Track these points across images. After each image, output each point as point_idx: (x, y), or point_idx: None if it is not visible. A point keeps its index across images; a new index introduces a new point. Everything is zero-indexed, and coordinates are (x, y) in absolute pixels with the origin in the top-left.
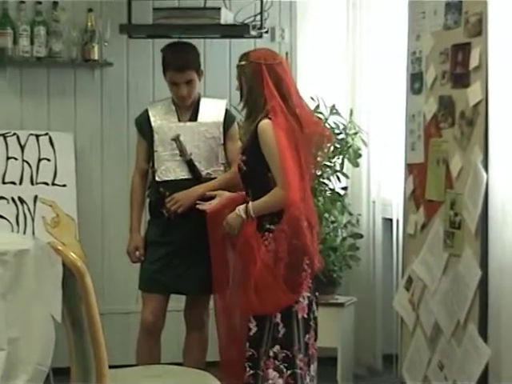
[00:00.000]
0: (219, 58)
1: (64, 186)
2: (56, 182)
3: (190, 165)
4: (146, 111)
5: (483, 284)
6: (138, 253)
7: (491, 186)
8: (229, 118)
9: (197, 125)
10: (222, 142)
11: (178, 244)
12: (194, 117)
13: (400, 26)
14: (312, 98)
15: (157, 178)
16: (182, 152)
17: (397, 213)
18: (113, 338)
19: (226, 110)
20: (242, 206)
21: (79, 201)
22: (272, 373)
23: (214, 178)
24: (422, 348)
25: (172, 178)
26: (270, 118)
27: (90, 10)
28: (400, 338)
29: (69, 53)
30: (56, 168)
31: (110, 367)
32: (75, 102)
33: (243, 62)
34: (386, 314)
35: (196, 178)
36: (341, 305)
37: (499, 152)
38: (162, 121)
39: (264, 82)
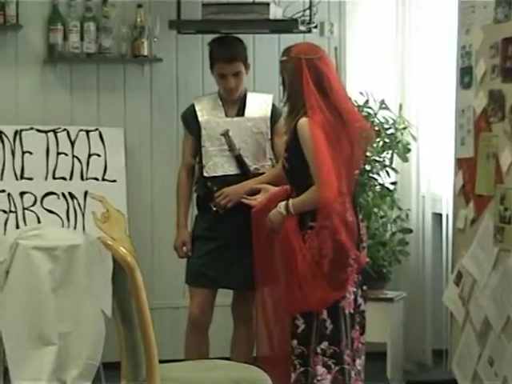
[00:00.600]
0: (268, 54)
1: (114, 181)
2: (106, 177)
3: (239, 160)
4: (193, 106)
5: None
6: (185, 248)
7: None
8: (275, 113)
9: (244, 120)
10: (270, 136)
11: (226, 238)
12: (241, 112)
13: (450, 20)
14: (361, 93)
15: (205, 174)
16: (231, 147)
17: (446, 208)
18: (163, 333)
19: (273, 105)
20: (283, 203)
21: (129, 196)
22: (320, 369)
23: (262, 174)
24: (472, 343)
25: (220, 173)
26: (308, 116)
27: (140, 6)
28: (450, 333)
29: (118, 48)
30: (106, 163)
31: (160, 362)
32: (125, 97)
33: (285, 58)
34: (435, 309)
35: (244, 173)
36: (390, 300)
37: None
38: (209, 116)
39: (304, 78)
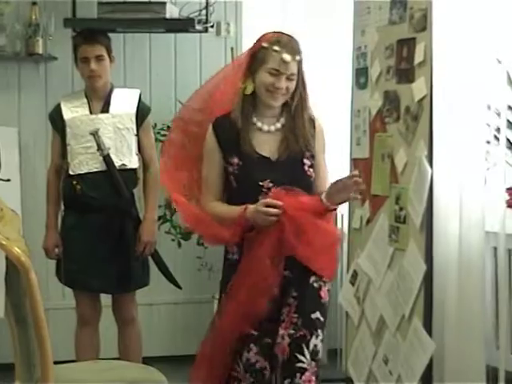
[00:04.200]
0: (164, 53)
1: (8, 180)
2: (0, 176)
3: (107, 159)
4: (59, 105)
5: (428, 278)
6: (57, 250)
7: (436, 180)
8: (142, 109)
9: (108, 116)
10: (136, 132)
11: (94, 240)
12: (105, 108)
13: (346, 21)
14: None
15: (70, 172)
16: (100, 147)
17: (342, 207)
18: (57, 334)
19: (140, 101)
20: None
21: (23, 196)
22: None
23: (129, 170)
24: (367, 342)
25: (85, 170)
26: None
27: (34, 4)
28: (345, 332)
29: (13, 47)
30: (0, 163)
31: (55, 363)
32: (19, 96)
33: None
34: (330, 308)
35: (111, 171)
36: None
37: (444, 147)
38: (74, 113)
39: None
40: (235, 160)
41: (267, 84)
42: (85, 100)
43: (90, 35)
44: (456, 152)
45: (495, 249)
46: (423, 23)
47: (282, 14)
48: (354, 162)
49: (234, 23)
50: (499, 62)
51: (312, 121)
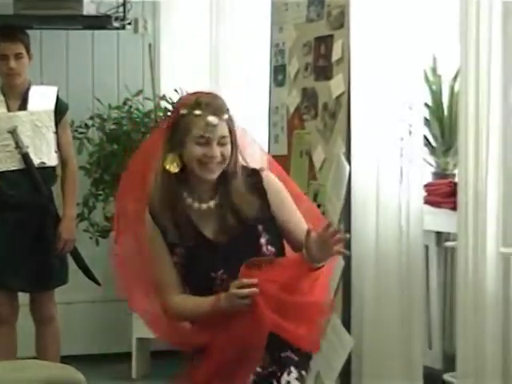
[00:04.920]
0: (81, 50)
1: None
2: None
3: (25, 157)
4: None
5: (346, 275)
6: None
7: (354, 177)
8: (60, 107)
9: (26, 114)
10: (55, 130)
11: (12, 237)
12: (23, 105)
13: (264, 17)
14: (176, 91)
15: None
16: (18, 145)
17: None
18: None
19: (58, 98)
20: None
21: None
22: None
23: (48, 167)
24: None
25: (4, 169)
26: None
27: None
28: None
29: None
30: None
31: None
32: None
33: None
34: None
35: (30, 169)
36: None
37: (361, 144)
38: None
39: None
40: (177, 249)
41: (198, 156)
42: (1, 97)
43: (9, 32)
44: (373, 149)
45: (413, 245)
46: (341, 20)
47: (199, 10)
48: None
49: (152, 20)
50: (416, 59)
51: (255, 176)
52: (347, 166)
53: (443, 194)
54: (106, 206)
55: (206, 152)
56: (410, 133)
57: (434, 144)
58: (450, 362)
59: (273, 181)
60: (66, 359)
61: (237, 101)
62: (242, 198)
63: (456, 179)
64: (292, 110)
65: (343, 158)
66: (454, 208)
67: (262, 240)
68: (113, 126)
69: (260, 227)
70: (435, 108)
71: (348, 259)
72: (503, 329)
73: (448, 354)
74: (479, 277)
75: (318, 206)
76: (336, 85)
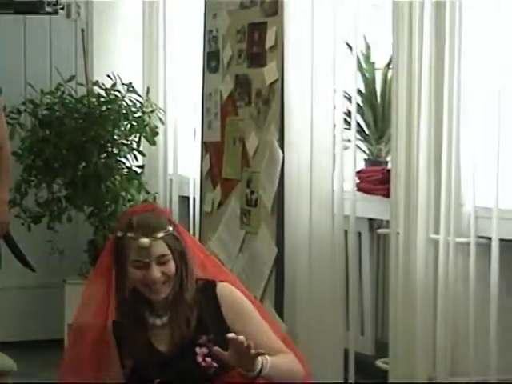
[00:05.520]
0: (13, 35)
1: None
2: None
3: None
4: None
5: (279, 261)
6: None
7: (287, 164)
8: None
9: None
10: None
11: None
12: None
13: (198, 4)
14: (108, 76)
15: None
16: None
17: (194, 191)
18: None
19: None
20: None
21: None
22: None
23: None
24: None
25: None
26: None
27: None
28: None
29: None
30: None
31: None
32: None
33: (169, 228)
34: None
35: None
36: None
37: (295, 131)
38: None
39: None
40: (127, 362)
41: (140, 280)
42: None
43: None
44: (307, 136)
45: (346, 232)
46: (274, 7)
47: None
48: (206, 145)
49: (85, 5)
50: (349, 46)
51: (209, 288)
52: (281, 153)
53: (376, 181)
54: (38, 192)
55: (146, 275)
56: (345, 120)
57: (367, 131)
58: (382, 349)
59: (227, 293)
60: None
61: (170, 87)
62: (187, 313)
63: (389, 166)
64: (225, 96)
65: (277, 145)
66: (387, 195)
67: (199, 350)
68: (45, 112)
69: (203, 338)
70: (368, 95)
71: (281, 246)
72: (433, 314)
73: (380, 341)
74: (410, 264)
75: (252, 192)
76: (269, 72)
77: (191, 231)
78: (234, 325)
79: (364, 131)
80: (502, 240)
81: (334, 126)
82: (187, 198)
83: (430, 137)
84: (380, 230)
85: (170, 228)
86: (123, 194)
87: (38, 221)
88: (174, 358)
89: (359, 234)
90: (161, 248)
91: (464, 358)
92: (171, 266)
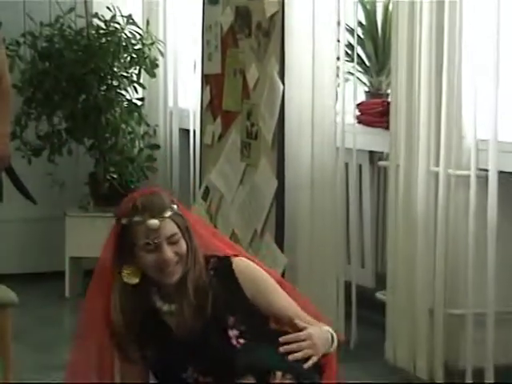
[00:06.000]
0: None
1: None
2: None
3: None
4: None
5: (279, 194)
6: None
7: (287, 96)
8: None
9: None
10: None
11: None
12: None
13: None
14: (108, 8)
15: None
16: None
17: (194, 123)
18: None
19: None
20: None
21: None
22: None
23: None
24: None
25: None
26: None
27: None
28: None
29: None
30: None
31: None
32: None
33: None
34: None
35: None
36: None
37: (295, 63)
38: None
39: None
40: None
41: (152, 264)
42: None
43: None
44: (307, 68)
45: (346, 164)
46: None
47: None
48: (206, 78)
49: None
50: None
51: (224, 266)
52: (281, 85)
53: (376, 113)
54: (38, 125)
55: (158, 257)
56: (346, 52)
57: (367, 63)
58: (381, 281)
59: (245, 268)
60: None
61: (170, 19)
62: (203, 295)
63: (389, 99)
64: (226, 28)
65: (277, 77)
66: (388, 127)
67: (232, 333)
68: (45, 44)
69: (231, 319)
70: (369, 27)
71: (282, 179)
72: (433, 247)
73: (380, 273)
74: (410, 196)
75: (252, 125)
76: (270, 3)
77: (192, 164)
78: (256, 300)
79: (365, 63)
80: (501, 172)
81: (338, 58)
82: (187, 130)
83: (431, 68)
84: (380, 163)
85: (175, 206)
86: (123, 126)
87: (39, 154)
88: (205, 344)
89: (360, 166)
90: (170, 227)
91: (463, 290)
92: (182, 245)
